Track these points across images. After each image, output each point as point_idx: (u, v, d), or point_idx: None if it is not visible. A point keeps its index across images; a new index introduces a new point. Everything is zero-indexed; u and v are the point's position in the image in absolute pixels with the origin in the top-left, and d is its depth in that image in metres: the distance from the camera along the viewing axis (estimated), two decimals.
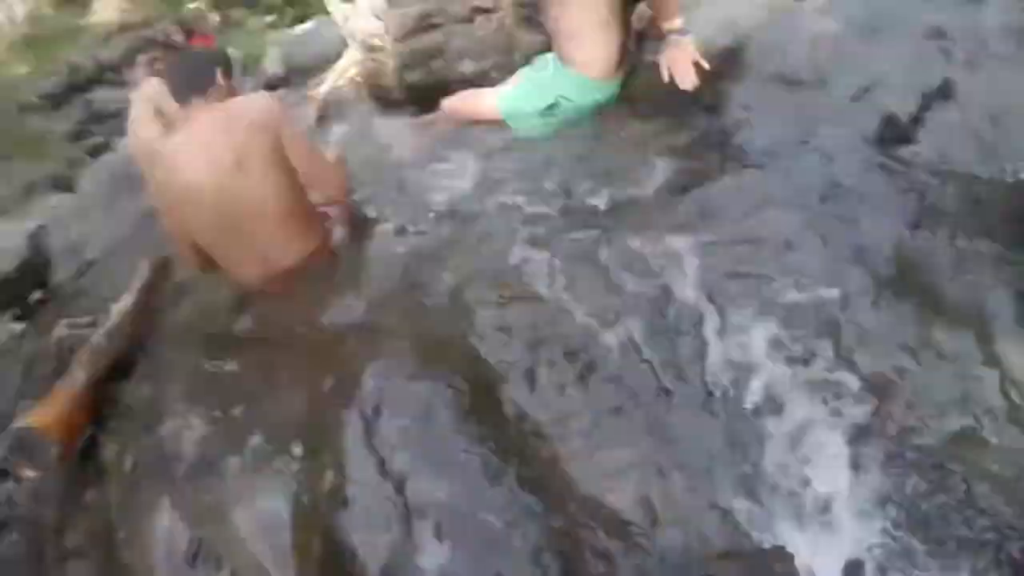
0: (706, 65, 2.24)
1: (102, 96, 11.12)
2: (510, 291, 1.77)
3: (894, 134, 1.83)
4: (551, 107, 2.59)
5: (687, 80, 2.25)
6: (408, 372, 1.63)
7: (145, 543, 1.66)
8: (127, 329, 2.53)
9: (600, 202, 2.05)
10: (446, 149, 2.86)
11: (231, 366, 1.91)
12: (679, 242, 1.70)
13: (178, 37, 6.40)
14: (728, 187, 1.87)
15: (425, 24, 3.68)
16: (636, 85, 2.61)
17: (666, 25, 2.28)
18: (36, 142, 9.11)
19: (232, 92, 2.39)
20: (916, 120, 1.82)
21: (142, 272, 2.96)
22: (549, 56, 2.69)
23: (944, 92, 1.81)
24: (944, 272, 1.54)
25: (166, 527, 1.64)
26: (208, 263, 2.40)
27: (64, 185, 7.47)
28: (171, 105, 3.74)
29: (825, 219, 1.68)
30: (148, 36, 12.77)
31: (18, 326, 4.34)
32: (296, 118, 3.92)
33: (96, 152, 9.26)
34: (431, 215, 2.35)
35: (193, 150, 2.17)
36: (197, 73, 2.35)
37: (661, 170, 2.06)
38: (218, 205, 2.17)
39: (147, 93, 3.95)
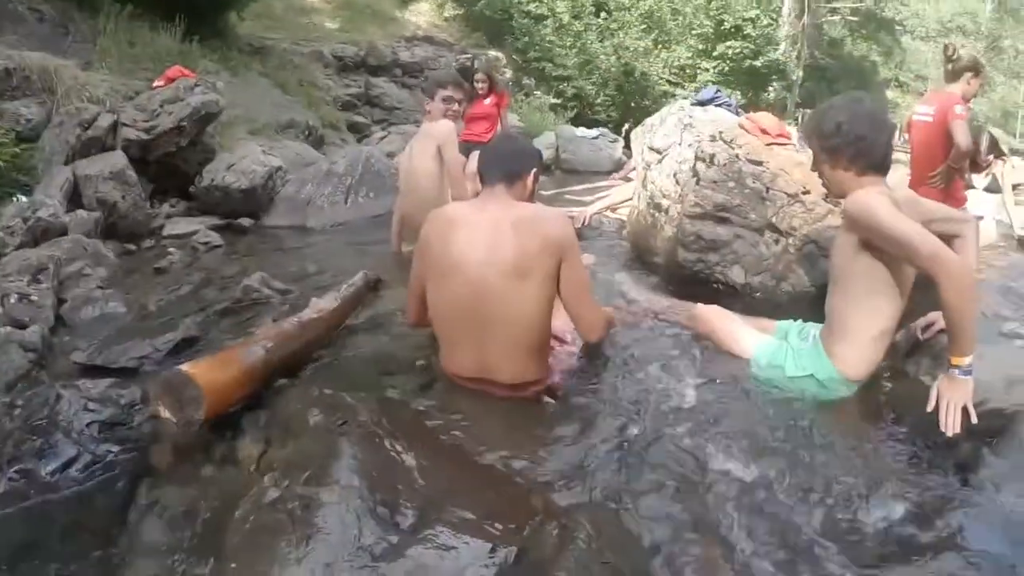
0: (975, 418, 2.03)
1: (386, 88, 12.08)
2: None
3: None
4: (799, 379, 2.44)
5: (951, 423, 2.04)
6: None
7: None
8: (321, 328, 2.50)
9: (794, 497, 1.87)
10: (675, 350, 2.74)
11: (396, 441, 1.73)
12: None
13: (482, 85, 6.77)
14: (930, 564, 1.68)
15: (719, 215, 3.60)
16: (896, 393, 2.43)
17: (954, 358, 2.08)
18: (309, 92, 9.68)
19: (532, 193, 2.38)
20: None
21: (355, 281, 3.02)
22: (812, 330, 2.58)
23: None
24: None
25: None
26: (425, 324, 2.35)
27: (315, 143, 7.92)
28: (457, 163, 3.86)
29: None
30: (458, 64, 13.91)
31: (214, 235, 4.55)
32: None
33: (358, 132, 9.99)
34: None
35: (481, 236, 2.12)
36: (515, 163, 2.31)
37: (877, 506, 1.85)
38: (475, 296, 2.11)
39: (439, 132, 3.88)
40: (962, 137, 4.14)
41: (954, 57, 4.42)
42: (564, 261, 2.11)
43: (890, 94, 28.89)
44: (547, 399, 2.29)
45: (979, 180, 6.16)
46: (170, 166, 5.20)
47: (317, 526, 1.38)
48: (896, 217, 2.17)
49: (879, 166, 2.36)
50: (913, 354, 2.57)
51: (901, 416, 2.26)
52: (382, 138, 9.67)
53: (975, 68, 4.41)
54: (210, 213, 5.14)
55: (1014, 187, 10.56)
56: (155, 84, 5.42)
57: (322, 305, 2.64)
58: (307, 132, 8.03)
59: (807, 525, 1.78)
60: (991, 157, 5.99)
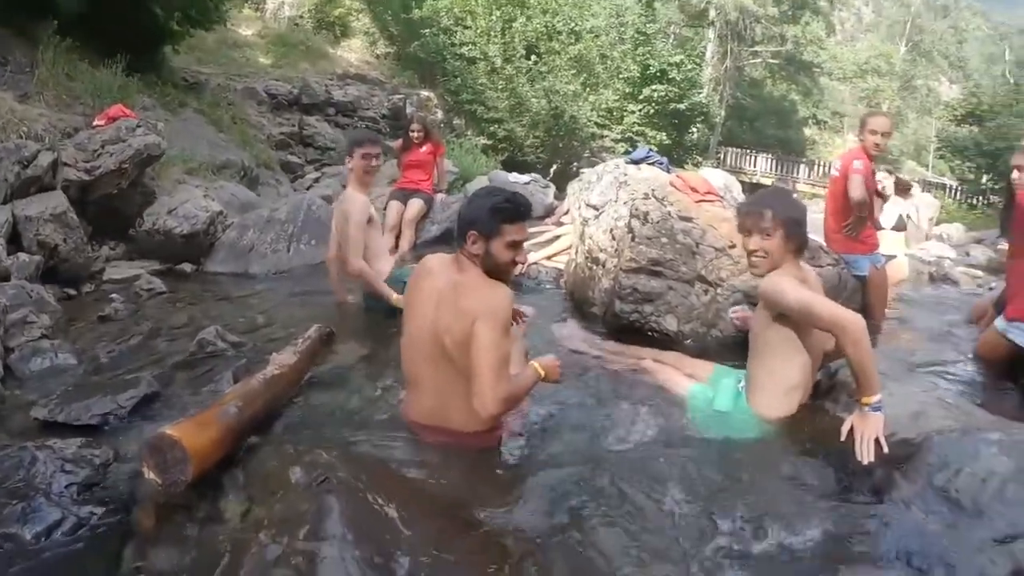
0: (885, 448, 2.32)
1: (319, 127, 12.12)
2: None
3: None
4: (727, 415, 2.82)
5: (865, 454, 2.32)
6: None
7: None
8: (283, 384, 2.60)
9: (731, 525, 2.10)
10: (622, 393, 3.04)
11: (377, 495, 1.87)
12: None
13: (418, 134, 6.79)
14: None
15: (653, 269, 3.86)
16: (818, 428, 2.70)
17: (863, 399, 2.40)
18: (244, 130, 9.68)
19: (483, 255, 2.36)
20: None
21: (310, 335, 3.11)
22: (742, 374, 2.93)
23: None
24: None
25: None
26: None
27: (249, 183, 7.92)
28: (356, 239, 3.93)
29: None
30: (390, 104, 14.00)
31: (157, 281, 4.53)
32: None
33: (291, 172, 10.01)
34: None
35: (430, 292, 2.37)
36: (459, 225, 2.41)
37: (804, 528, 2.10)
38: (422, 344, 2.35)
39: (348, 207, 4.03)
40: (853, 191, 4.51)
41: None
42: (473, 329, 2.22)
43: (808, 131, 30.21)
44: (505, 444, 2.45)
45: (886, 218, 6.60)
46: (109, 208, 5.14)
47: None
48: (799, 291, 2.57)
49: (803, 249, 2.80)
50: (831, 392, 2.89)
51: (822, 448, 2.52)
52: (316, 179, 9.73)
53: (861, 122, 4.87)
54: (151, 257, 5.13)
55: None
56: (96, 123, 5.37)
57: (282, 360, 2.72)
58: (242, 172, 8.03)
59: (744, 547, 2.00)
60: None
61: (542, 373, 2.52)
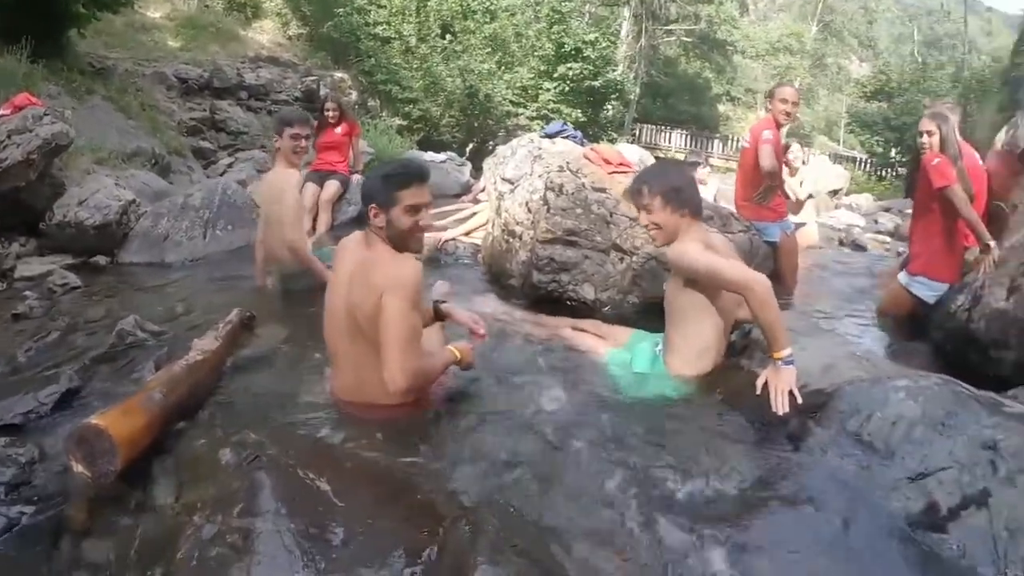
0: (799, 399, 2.45)
1: (231, 111, 11.73)
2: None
3: (931, 521, 1.97)
4: (645, 376, 2.93)
5: (780, 404, 2.45)
6: None
7: None
8: (206, 369, 2.58)
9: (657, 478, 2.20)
10: (543, 358, 3.13)
11: (308, 470, 1.90)
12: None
13: (332, 113, 6.66)
14: (776, 518, 2.04)
15: (568, 239, 3.95)
16: (734, 384, 2.81)
17: (774, 353, 2.52)
18: (154, 117, 9.29)
19: (386, 225, 2.38)
20: (952, 515, 1.96)
21: (230, 319, 3.07)
22: (659, 338, 3.04)
23: (981, 499, 1.94)
24: None
25: None
26: None
27: (161, 171, 7.64)
28: (294, 212, 3.95)
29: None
30: (303, 86, 13.64)
31: (71, 275, 4.37)
32: None
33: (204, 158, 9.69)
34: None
35: (343, 270, 2.40)
36: (363, 202, 2.44)
37: (726, 477, 2.21)
38: (338, 320, 2.39)
39: (281, 183, 4.00)
40: (764, 160, 4.68)
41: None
42: (381, 303, 2.24)
43: (722, 108, 30.69)
44: (431, 414, 2.49)
45: (796, 187, 6.86)
46: (17, 201, 4.87)
47: (261, 552, 1.54)
48: (705, 255, 2.67)
49: (700, 212, 2.87)
50: (746, 351, 3.01)
51: (739, 403, 2.63)
52: (229, 165, 9.41)
53: (769, 93, 5.07)
54: (63, 251, 4.89)
55: (833, 193, 11.72)
56: (1, 112, 5.10)
57: (204, 345, 2.70)
58: (154, 160, 7.69)
59: (670, 495, 2.10)
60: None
61: (457, 355, 2.58)
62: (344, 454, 2.11)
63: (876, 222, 11.34)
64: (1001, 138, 6.65)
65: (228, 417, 2.36)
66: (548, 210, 4.04)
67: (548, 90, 19.46)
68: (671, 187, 2.80)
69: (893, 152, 25.03)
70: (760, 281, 2.53)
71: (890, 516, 2.00)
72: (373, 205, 2.38)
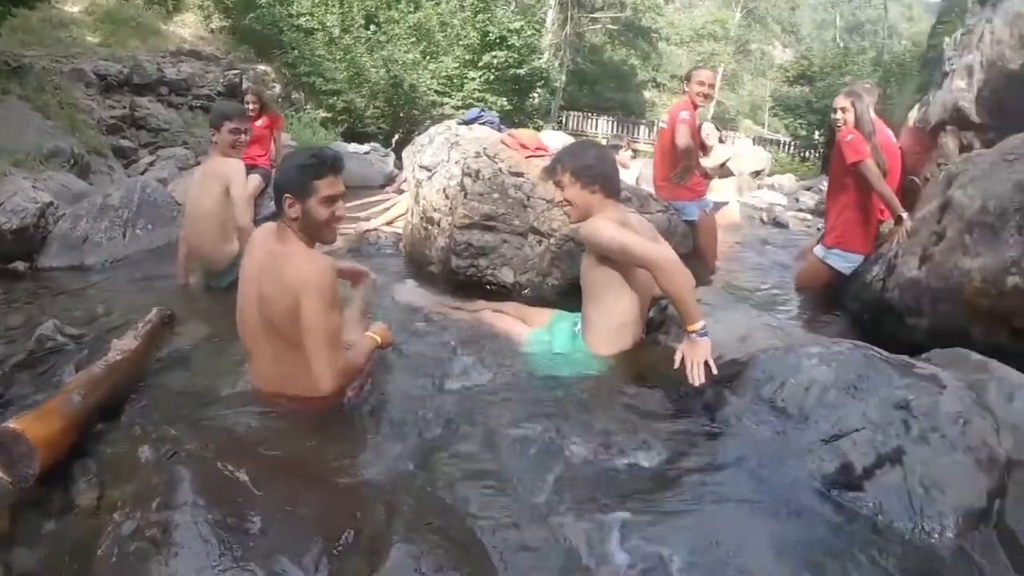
0: (715, 370, 2.54)
1: (152, 108, 11.40)
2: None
3: (847, 481, 2.03)
4: (564, 355, 2.99)
5: (696, 376, 2.54)
6: None
7: None
8: (127, 369, 2.58)
9: (576, 454, 2.25)
10: (464, 347, 3.15)
11: (226, 462, 1.91)
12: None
13: (252, 106, 6.51)
14: (693, 489, 2.09)
15: (486, 224, 4.01)
16: (651, 359, 2.90)
17: (688, 327, 2.61)
18: (72, 115, 8.97)
19: (300, 216, 2.36)
20: (867, 474, 2.02)
21: (150, 318, 3.08)
22: (577, 317, 3.11)
23: (895, 457, 2.02)
24: None
25: None
26: None
27: (80, 171, 7.41)
28: (245, 201, 3.89)
29: (761, 538, 1.88)
30: (226, 80, 13.27)
31: None
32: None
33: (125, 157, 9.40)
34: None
35: (252, 266, 2.37)
36: (276, 195, 2.39)
37: (645, 449, 2.27)
38: (252, 317, 2.37)
39: (227, 171, 3.92)
40: (680, 139, 4.81)
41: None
42: (301, 305, 2.23)
43: (647, 94, 30.83)
44: (350, 401, 2.50)
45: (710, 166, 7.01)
46: None
47: (179, 544, 1.56)
48: (615, 232, 2.73)
49: (615, 191, 2.94)
50: (663, 326, 3.09)
51: (657, 376, 2.72)
52: (151, 163, 9.17)
53: (686, 76, 5.17)
54: None
55: (756, 174, 11.96)
56: None
57: (123, 346, 2.69)
58: (73, 161, 7.45)
59: (591, 469, 2.16)
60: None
61: (378, 340, 2.62)
62: (263, 445, 2.14)
63: (797, 200, 11.61)
64: (914, 115, 7.00)
65: (148, 415, 2.37)
66: (465, 196, 4.09)
67: (473, 79, 19.26)
68: (581, 164, 2.87)
69: (816, 134, 25.59)
70: (667, 258, 2.63)
71: (807, 478, 2.06)
72: (288, 195, 2.33)
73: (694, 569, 1.75)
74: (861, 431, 2.10)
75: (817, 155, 24.15)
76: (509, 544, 1.83)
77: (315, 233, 2.40)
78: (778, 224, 7.91)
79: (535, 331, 3.18)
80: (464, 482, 2.09)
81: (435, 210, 4.41)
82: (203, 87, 13.22)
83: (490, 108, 17.44)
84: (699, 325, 2.57)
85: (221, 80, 13.72)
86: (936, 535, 1.86)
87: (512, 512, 1.96)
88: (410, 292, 3.96)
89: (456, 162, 4.43)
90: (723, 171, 7.01)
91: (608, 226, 2.77)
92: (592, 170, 2.87)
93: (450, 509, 1.95)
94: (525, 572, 1.75)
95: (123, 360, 2.58)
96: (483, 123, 5.36)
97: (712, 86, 5.06)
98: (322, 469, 2.06)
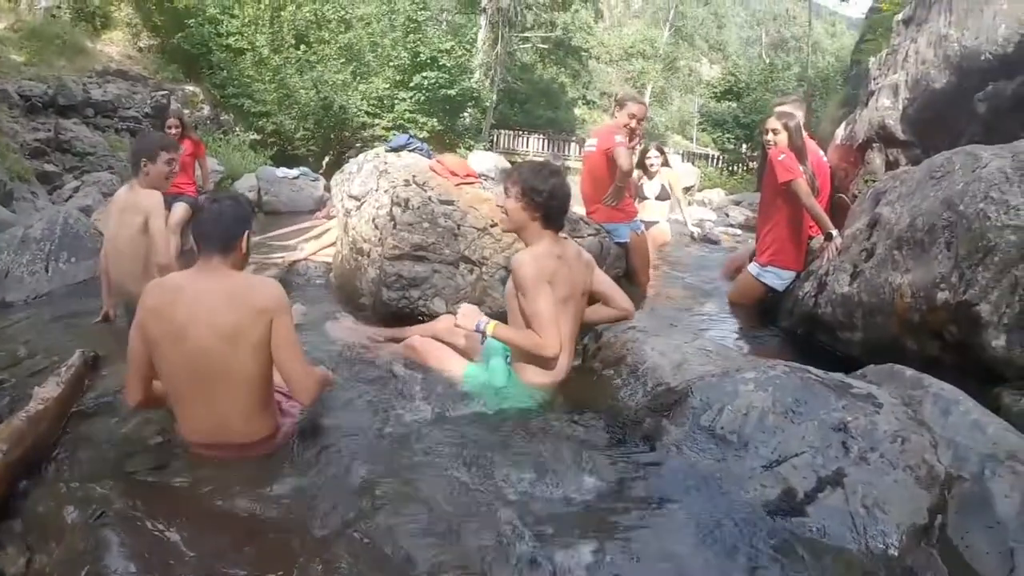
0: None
1: (77, 130, 10.88)
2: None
3: (789, 506, 1.99)
4: (503, 389, 2.88)
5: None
6: None
7: None
8: (50, 419, 2.41)
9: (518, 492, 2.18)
10: (398, 384, 3.03)
11: (156, 521, 1.83)
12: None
13: (174, 131, 6.10)
14: (634, 520, 2.04)
15: (416, 254, 3.92)
16: (587, 387, 2.88)
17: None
18: None
19: (245, 257, 2.41)
20: (809, 498, 1.98)
21: (72, 362, 2.88)
22: (508, 349, 3.02)
23: (836, 480, 1.98)
24: None
25: None
26: (150, 402, 2.37)
27: (3, 199, 6.99)
28: (164, 235, 3.66)
29: (707, 569, 1.83)
30: (153, 101, 12.77)
31: None
32: None
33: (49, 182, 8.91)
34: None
35: (201, 305, 2.19)
36: (230, 232, 2.31)
37: (586, 483, 2.21)
38: (199, 361, 2.19)
39: (147, 204, 3.68)
40: (622, 160, 4.65)
41: (616, 97, 5.12)
42: (273, 327, 2.21)
43: (578, 111, 30.90)
44: (284, 447, 2.40)
45: (650, 189, 7.00)
46: None
47: None
48: (536, 286, 2.70)
49: (557, 225, 2.89)
50: (597, 355, 3.05)
51: (595, 406, 2.67)
52: (75, 189, 8.75)
53: (619, 102, 5.04)
54: None
55: (686, 190, 12.14)
56: None
57: (45, 393, 2.50)
58: None
59: (531, 505, 2.08)
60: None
61: (330, 376, 2.69)
62: (195, 500, 2.04)
63: (727, 215, 11.61)
64: (840, 133, 7.19)
65: (73, 470, 2.20)
66: (395, 226, 3.99)
67: (404, 100, 19.12)
68: (533, 187, 2.79)
69: (744, 148, 26.23)
70: (545, 339, 2.67)
71: (748, 505, 2.01)
72: (249, 231, 2.38)
73: None
74: (801, 455, 2.07)
75: (745, 168, 24.69)
76: None
77: (243, 266, 2.43)
78: (709, 241, 7.83)
79: (472, 367, 3.05)
80: (405, 529, 1.96)
81: (365, 240, 4.30)
82: (130, 108, 12.75)
83: (421, 128, 17.32)
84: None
85: (148, 101, 13.27)
86: (880, 554, 1.85)
87: (450, 560, 1.86)
88: (342, 329, 3.78)
89: (385, 191, 4.33)
90: (662, 193, 7.09)
91: (534, 267, 2.72)
92: (541, 196, 2.79)
93: (388, 561, 1.85)
94: None
95: (45, 410, 2.40)
96: (412, 150, 5.27)
97: (641, 121, 4.96)
98: (256, 521, 1.96)
